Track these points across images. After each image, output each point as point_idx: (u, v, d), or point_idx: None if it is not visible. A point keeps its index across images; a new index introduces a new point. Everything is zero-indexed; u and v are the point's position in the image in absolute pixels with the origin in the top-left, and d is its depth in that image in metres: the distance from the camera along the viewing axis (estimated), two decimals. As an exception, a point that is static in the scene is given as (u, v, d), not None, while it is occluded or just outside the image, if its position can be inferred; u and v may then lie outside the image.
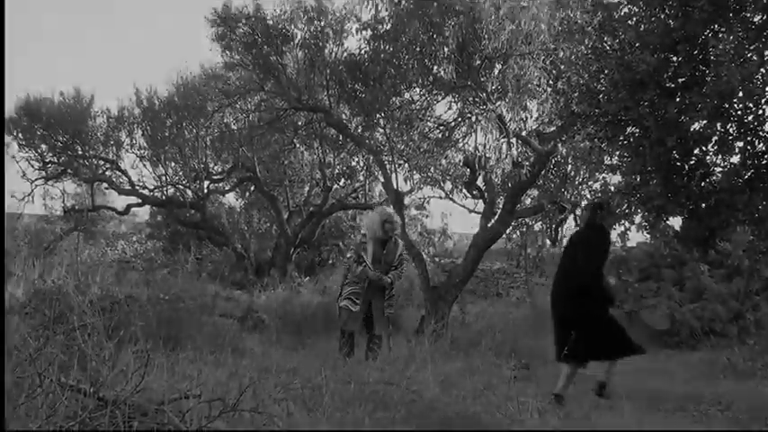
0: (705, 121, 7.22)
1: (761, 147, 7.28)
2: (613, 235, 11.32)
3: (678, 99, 7.35)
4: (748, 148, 7.29)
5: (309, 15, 15.34)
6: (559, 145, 12.51)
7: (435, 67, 11.92)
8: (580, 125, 9.13)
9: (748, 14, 7.34)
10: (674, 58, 7.56)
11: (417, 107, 13.41)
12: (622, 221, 9.57)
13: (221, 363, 6.73)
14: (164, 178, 24.54)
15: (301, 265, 23.90)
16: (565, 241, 27.19)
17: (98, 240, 27.98)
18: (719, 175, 7.56)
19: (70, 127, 23.39)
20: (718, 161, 7.61)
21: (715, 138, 7.34)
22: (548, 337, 12.77)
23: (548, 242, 27.07)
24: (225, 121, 21.87)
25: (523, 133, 12.60)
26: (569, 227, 26.37)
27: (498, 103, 11.99)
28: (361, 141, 15.63)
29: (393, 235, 9.58)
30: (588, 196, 13.72)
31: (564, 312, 8.10)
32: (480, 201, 14.77)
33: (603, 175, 12.00)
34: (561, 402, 7.64)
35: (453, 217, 35.81)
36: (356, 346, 9.47)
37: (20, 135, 23.56)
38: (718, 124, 7.20)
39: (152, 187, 24.83)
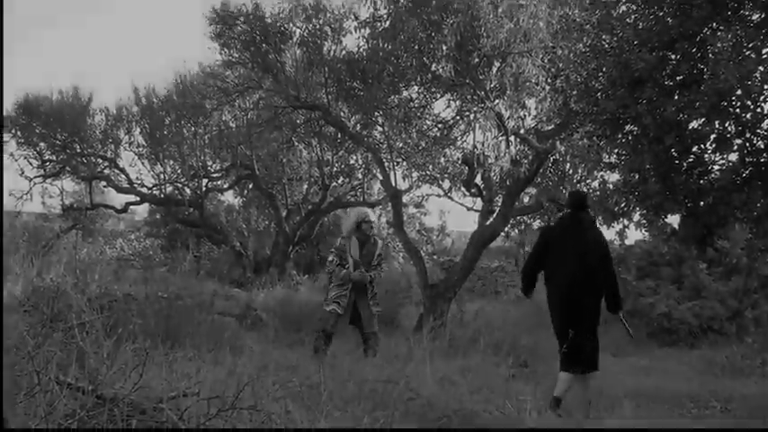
0: (703, 119, 7.22)
1: (759, 144, 7.28)
2: (612, 233, 11.34)
3: (676, 97, 7.35)
4: (746, 145, 7.29)
5: (308, 13, 15.32)
6: (558, 143, 12.52)
7: (434, 65, 11.90)
8: (578, 123, 9.16)
9: (746, 13, 7.35)
10: (673, 57, 7.56)
11: (416, 105, 13.40)
12: (621, 219, 9.56)
13: (220, 361, 6.72)
14: (162, 176, 24.57)
15: (300, 263, 23.94)
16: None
17: (96, 238, 27.96)
18: (718, 172, 7.56)
19: (69, 125, 23.40)
20: (716, 159, 7.62)
21: (713, 135, 7.34)
22: (546, 335, 12.75)
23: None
24: (223, 119, 21.86)
25: (522, 131, 12.59)
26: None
27: (497, 101, 11.99)
28: (359, 139, 15.64)
29: (371, 234, 9.57)
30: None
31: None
32: (479, 199, 14.78)
33: (602, 173, 12.01)
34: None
35: (451, 215, 35.85)
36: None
37: (18, 133, 23.56)
38: (717, 122, 7.20)
39: (150, 185, 24.89)
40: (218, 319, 10.72)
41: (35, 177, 24.55)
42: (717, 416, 7.67)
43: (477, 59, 11.65)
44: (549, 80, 11.69)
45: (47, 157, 24.52)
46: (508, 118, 12.14)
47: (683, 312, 13.95)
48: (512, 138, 12.37)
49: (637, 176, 7.98)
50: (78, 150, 24.16)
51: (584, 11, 9.71)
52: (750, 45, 7.01)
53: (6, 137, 23.37)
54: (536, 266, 8.04)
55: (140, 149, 24.29)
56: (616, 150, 8.45)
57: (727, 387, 9.12)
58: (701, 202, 7.63)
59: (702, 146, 7.57)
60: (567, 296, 7.51)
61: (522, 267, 8.57)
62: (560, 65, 10.99)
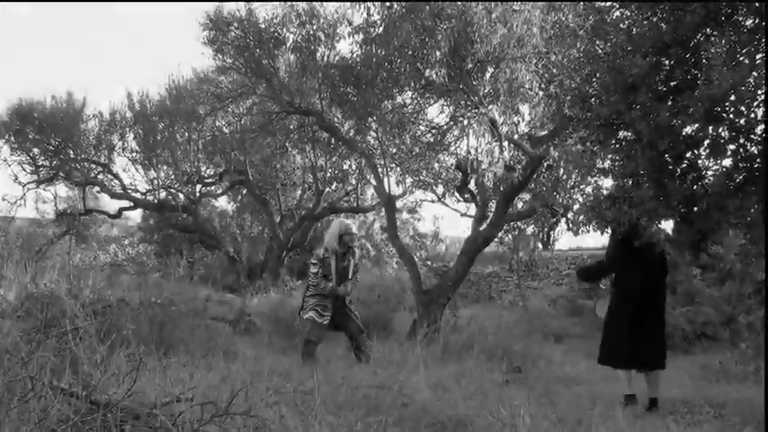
0: (697, 125, 7.21)
1: (753, 150, 7.27)
2: (605, 239, 11.39)
3: (670, 103, 7.34)
4: (740, 151, 7.27)
5: (301, 19, 15.31)
6: (551, 148, 12.50)
7: (427, 71, 11.89)
8: (572, 129, 9.14)
9: (740, 18, 7.35)
10: (666, 62, 7.55)
11: (409, 110, 13.38)
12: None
13: (213, 366, 6.73)
14: (156, 182, 24.54)
15: (293, 269, 23.93)
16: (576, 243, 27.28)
17: (90, 244, 27.99)
18: (711, 178, 7.55)
19: (62, 130, 23.40)
20: (710, 164, 7.60)
21: (707, 141, 7.33)
22: (539, 339, 12.73)
23: (540, 246, 27.11)
24: (217, 124, 21.87)
25: (515, 137, 12.59)
26: (561, 230, 26.52)
27: (490, 106, 11.98)
28: (353, 145, 15.62)
29: (352, 246, 9.72)
30: (580, 200, 13.70)
31: None
32: (472, 204, 14.80)
33: (595, 178, 12.00)
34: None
35: (445, 220, 35.86)
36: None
37: (12, 138, 23.55)
38: (710, 128, 7.19)
39: (144, 191, 24.87)
40: (211, 325, 10.71)
41: (28, 183, 24.60)
42: (711, 422, 7.66)
43: (470, 65, 11.64)
44: (542, 86, 11.70)
45: (40, 163, 24.52)
46: (502, 123, 12.14)
47: (677, 318, 13.92)
48: (505, 143, 12.36)
49: (630, 182, 7.98)
50: (72, 156, 24.15)
51: (578, 16, 9.71)
52: (744, 51, 7.00)
53: (0, 142, 23.38)
54: (605, 275, 9.15)
55: (134, 155, 24.34)
56: (610, 156, 8.44)
57: (720, 393, 9.11)
58: (695, 208, 7.61)
59: (696, 151, 7.56)
60: (642, 299, 8.47)
61: (594, 270, 10.01)
62: (554, 70, 10.99)
